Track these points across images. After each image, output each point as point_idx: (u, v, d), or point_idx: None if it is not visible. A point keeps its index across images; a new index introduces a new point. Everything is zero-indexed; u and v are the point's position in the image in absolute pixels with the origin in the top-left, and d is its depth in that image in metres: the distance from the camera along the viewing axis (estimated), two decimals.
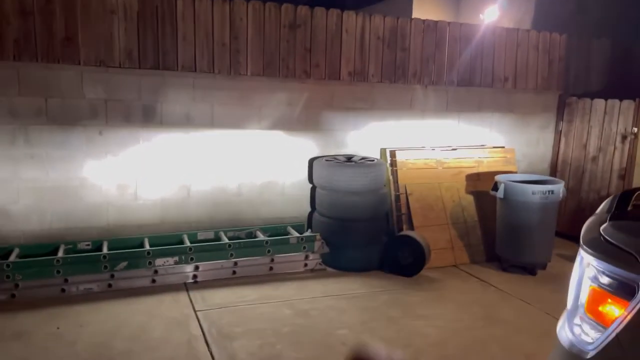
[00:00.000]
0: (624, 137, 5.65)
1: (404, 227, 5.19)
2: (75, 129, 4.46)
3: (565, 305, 2.05)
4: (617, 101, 5.71)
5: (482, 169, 5.66)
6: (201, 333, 3.55)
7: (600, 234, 1.82)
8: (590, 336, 1.75)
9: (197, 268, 4.45)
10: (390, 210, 5.23)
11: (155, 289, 4.25)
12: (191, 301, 4.07)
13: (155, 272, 4.32)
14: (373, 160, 5.05)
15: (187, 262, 4.41)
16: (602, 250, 1.75)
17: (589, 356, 1.70)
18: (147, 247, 4.43)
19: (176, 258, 4.38)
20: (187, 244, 4.52)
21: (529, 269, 4.97)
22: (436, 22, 5.55)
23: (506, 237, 5.03)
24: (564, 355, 1.84)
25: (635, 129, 5.48)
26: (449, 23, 5.65)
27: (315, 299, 4.19)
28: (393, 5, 10.07)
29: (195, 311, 3.89)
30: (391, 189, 5.25)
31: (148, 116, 4.67)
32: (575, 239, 5.85)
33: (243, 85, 4.91)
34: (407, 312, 4.02)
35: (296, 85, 5.09)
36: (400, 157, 5.31)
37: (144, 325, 3.65)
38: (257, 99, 4.98)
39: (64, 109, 4.41)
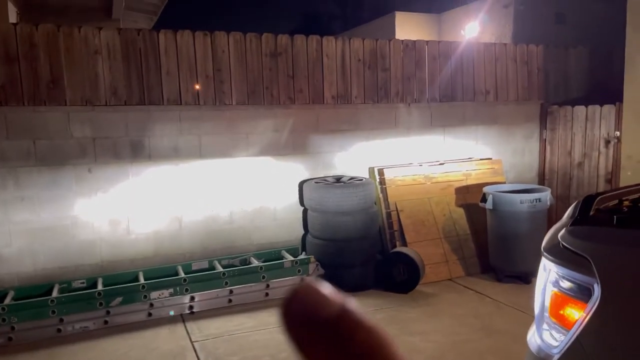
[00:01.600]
0: (607, 142, 5.75)
1: (397, 243, 5.22)
2: (65, 168, 4.52)
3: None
4: (597, 107, 5.82)
5: (471, 181, 5.72)
6: None
7: (559, 241, 1.88)
8: (555, 340, 1.79)
9: (192, 299, 4.45)
10: (382, 228, 5.27)
11: (151, 322, 4.25)
12: (187, 332, 4.07)
13: (151, 305, 4.33)
14: (362, 180, 5.11)
15: (182, 293, 4.42)
16: (560, 256, 1.81)
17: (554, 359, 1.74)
18: (142, 280, 4.44)
19: (171, 290, 4.39)
20: (182, 275, 4.54)
21: (523, 278, 5.00)
22: (414, 41, 5.68)
23: (498, 247, 5.07)
24: None
25: (618, 133, 5.58)
26: (427, 42, 5.78)
27: None
28: (377, 26, 10.29)
29: (191, 342, 3.89)
30: (382, 207, 5.30)
31: (136, 151, 4.73)
32: None
33: (229, 114, 4.99)
34: (403, 329, 4.03)
35: (281, 111, 5.18)
36: (388, 174, 5.38)
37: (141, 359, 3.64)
38: (243, 127, 5.07)
39: (52, 149, 4.47)
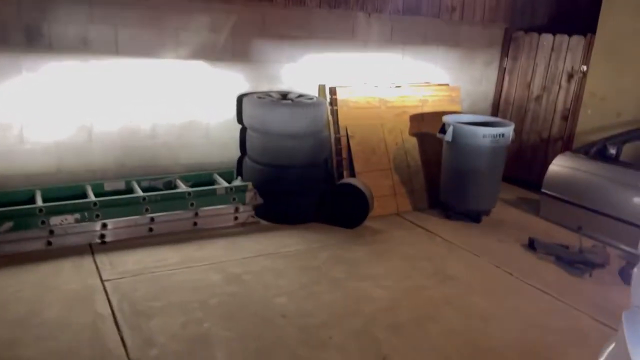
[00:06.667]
0: (570, 76, 5.39)
1: (345, 173, 4.70)
2: None
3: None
4: (565, 37, 5.39)
5: (427, 108, 5.22)
6: (110, 311, 2.92)
7: None
8: None
9: (104, 226, 3.73)
10: (330, 155, 4.70)
11: (51, 253, 3.51)
12: (97, 268, 3.38)
13: (51, 232, 3.56)
14: (312, 99, 4.42)
15: (92, 220, 3.67)
16: None
17: None
18: (39, 202, 3.63)
19: (77, 215, 3.63)
20: (92, 197, 3.76)
21: (474, 217, 4.71)
22: None
23: (452, 183, 4.69)
24: None
25: (585, 67, 5.22)
26: None
27: (248, 260, 3.65)
28: None
29: (102, 281, 3.22)
30: (331, 131, 4.69)
31: (32, 39, 3.70)
32: (516, 183, 5.72)
33: (155, 2, 4.02)
34: (351, 272, 3.60)
35: (221, 6, 4.26)
36: (341, 94, 4.73)
37: (36, 302, 2.95)
38: (173, 21, 4.12)
39: None
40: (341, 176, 4.68)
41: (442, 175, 4.82)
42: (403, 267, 3.73)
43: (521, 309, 3.27)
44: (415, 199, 4.97)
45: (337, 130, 4.70)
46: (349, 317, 3.03)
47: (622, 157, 4.57)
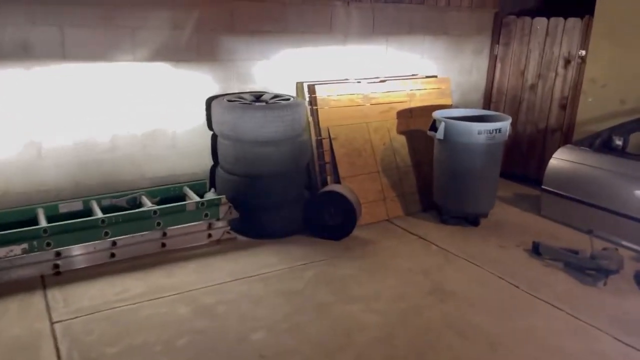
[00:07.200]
0: (567, 62, 5.01)
1: (329, 178, 4.29)
2: None
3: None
4: (561, 19, 5.01)
5: (415, 103, 4.82)
6: None
7: None
8: None
9: (58, 255, 3.29)
10: (312, 160, 4.28)
11: None
12: (48, 306, 2.95)
13: None
14: (289, 99, 4.00)
15: (42, 249, 3.23)
16: None
17: None
18: None
19: (25, 245, 3.18)
20: (43, 222, 3.32)
21: (471, 220, 4.33)
22: None
23: (446, 185, 4.30)
24: None
25: (583, 52, 4.84)
26: None
27: (223, 286, 3.23)
28: None
29: (51, 323, 2.79)
30: (311, 134, 4.27)
31: None
32: (512, 178, 5.34)
33: None
34: (340, 293, 3.19)
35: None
36: (321, 93, 4.31)
37: None
38: (128, 19, 3.67)
39: None
40: (325, 182, 4.27)
41: (434, 176, 4.42)
42: (397, 285, 3.33)
43: (532, 330, 2.89)
44: (406, 202, 4.58)
45: (318, 133, 4.28)
46: (339, 353, 2.63)
47: (629, 149, 4.21)
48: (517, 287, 3.35)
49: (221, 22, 4.02)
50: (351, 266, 3.56)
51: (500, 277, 3.47)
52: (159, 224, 3.57)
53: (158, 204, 3.73)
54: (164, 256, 3.57)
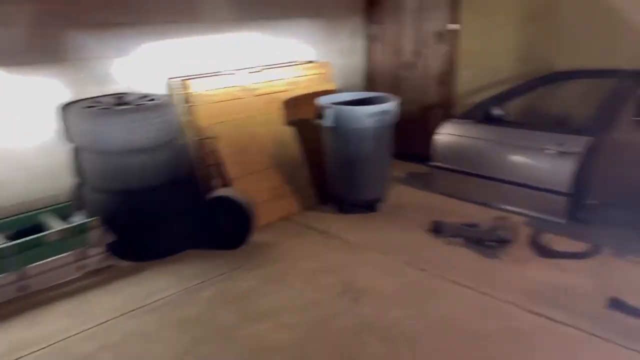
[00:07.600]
0: (440, 36, 5.05)
1: (217, 183, 3.89)
2: None
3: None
4: None
5: (299, 91, 4.55)
6: None
7: None
8: None
9: None
10: (195, 164, 3.84)
11: None
12: None
13: None
14: (157, 99, 3.51)
15: None
16: None
17: None
18: None
19: None
20: None
21: (369, 206, 4.20)
22: None
23: (340, 173, 4.11)
24: None
25: (455, 26, 4.89)
26: None
27: (105, 326, 2.74)
28: None
29: None
30: (190, 135, 3.83)
31: None
32: (403, 158, 5.33)
33: None
34: (244, 312, 2.86)
35: None
36: (195, 88, 3.87)
37: None
38: None
39: None
40: (213, 188, 3.87)
41: (328, 165, 4.21)
42: (306, 291, 3.07)
43: (446, 315, 2.80)
44: (303, 197, 4.32)
45: (198, 133, 3.85)
46: None
47: (508, 117, 4.33)
48: (425, 270, 3.25)
49: (62, 14, 3.40)
50: (253, 277, 3.23)
51: (408, 263, 3.35)
52: (14, 264, 2.94)
53: (15, 238, 3.09)
54: (26, 302, 2.96)
